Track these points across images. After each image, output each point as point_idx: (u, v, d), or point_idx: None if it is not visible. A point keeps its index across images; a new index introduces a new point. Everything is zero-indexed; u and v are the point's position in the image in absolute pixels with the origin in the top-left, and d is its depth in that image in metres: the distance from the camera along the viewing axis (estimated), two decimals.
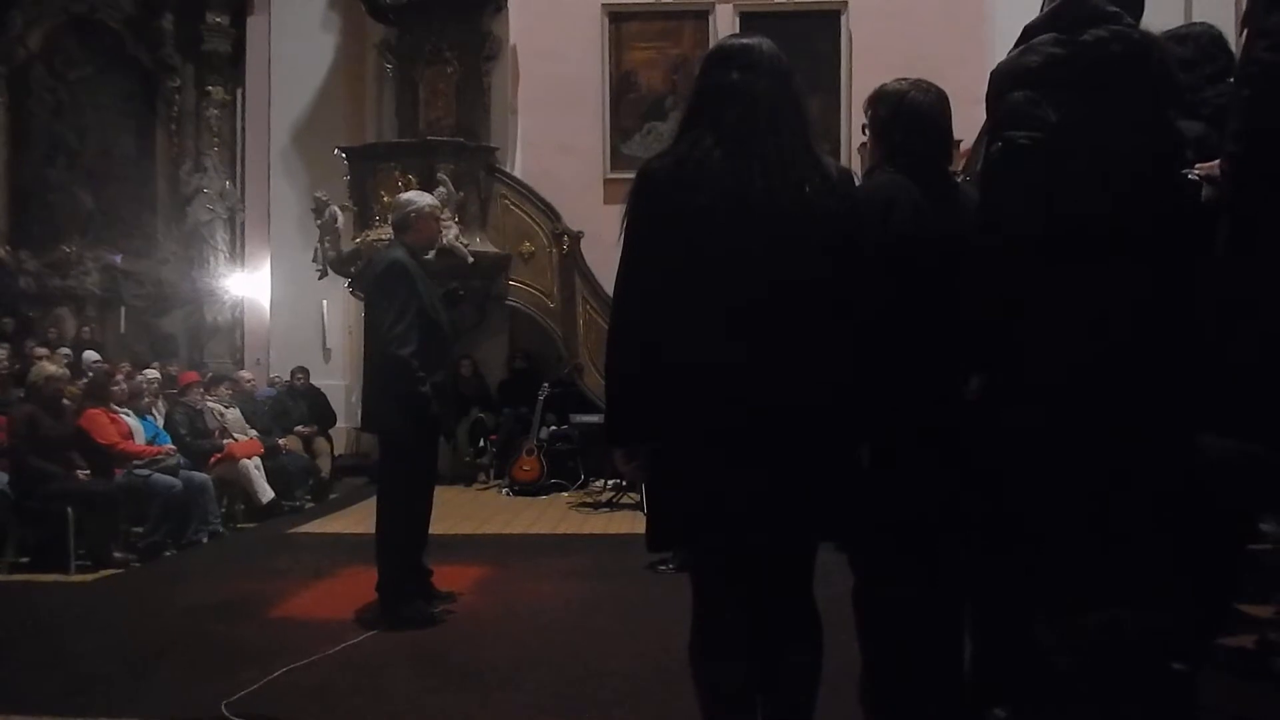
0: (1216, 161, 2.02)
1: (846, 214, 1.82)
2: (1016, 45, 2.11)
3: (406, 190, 5.94)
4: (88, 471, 5.29)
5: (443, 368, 3.88)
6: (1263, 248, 1.93)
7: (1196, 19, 3.16)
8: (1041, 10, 2.14)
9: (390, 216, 4.24)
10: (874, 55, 8.40)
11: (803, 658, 1.89)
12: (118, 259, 9.80)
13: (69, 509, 5.03)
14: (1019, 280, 2.01)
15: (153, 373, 6.89)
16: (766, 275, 1.74)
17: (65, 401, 5.55)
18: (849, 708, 2.13)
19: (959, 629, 2.16)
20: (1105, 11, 2.02)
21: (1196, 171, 2.06)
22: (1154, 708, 2.09)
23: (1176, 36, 2.62)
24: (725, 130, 1.79)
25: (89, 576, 4.92)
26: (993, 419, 2.01)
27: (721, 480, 1.75)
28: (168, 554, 5.42)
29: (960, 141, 2.62)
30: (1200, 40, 2.61)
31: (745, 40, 1.91)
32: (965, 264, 2.05)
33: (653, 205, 1.79)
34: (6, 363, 7.06)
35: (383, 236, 6.84)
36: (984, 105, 2.13)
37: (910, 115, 2.13)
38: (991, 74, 2.10)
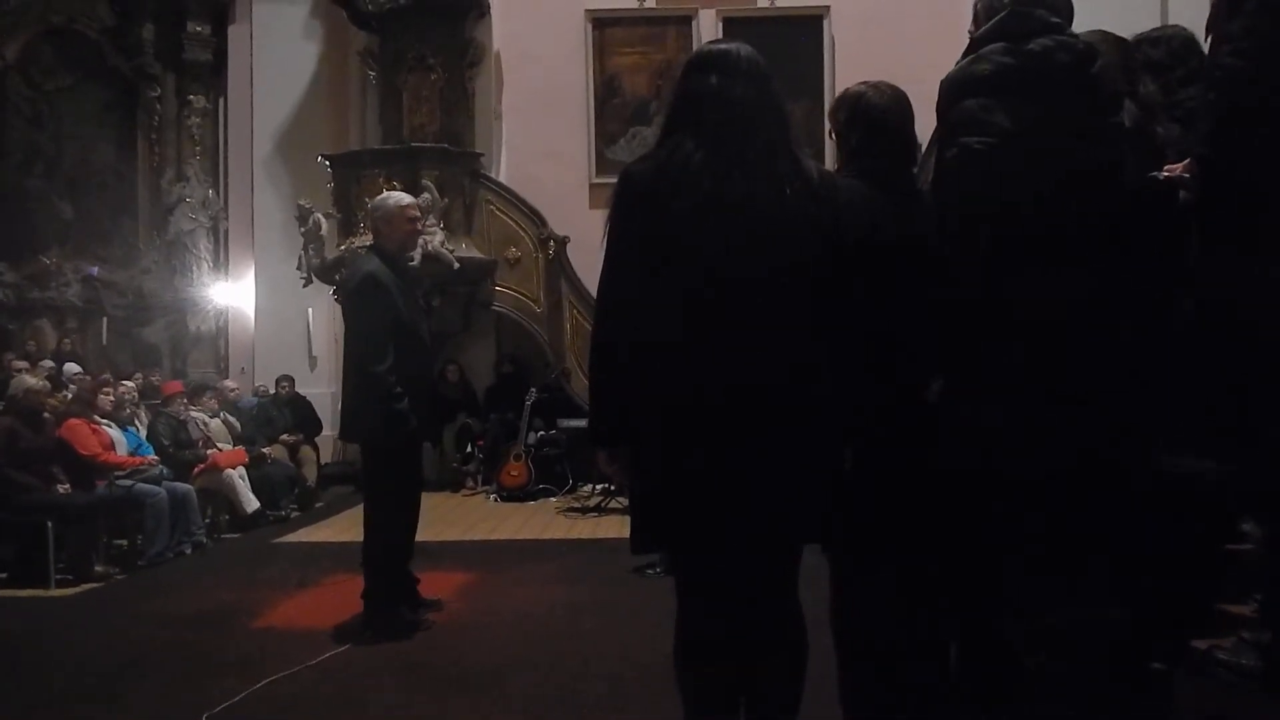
0: (1184, 163, 2.05)
1: (827, 216, 1.83)
2: (964, 56, 2.15)
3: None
4: (67, 485, 5.24)
5: (423, 378, 3.85)
6: (1232, 247, 1.96)
7: (1171, 22, 3.20)
8: (976, 22, 2.18)
9: (367, 221, 4.19)
10: (856, 60, 8.42)
11: (786, 659, 1.89)
12: (94, 271, 9.71)
13: (49, 522, 4.97)
14: (974, 282, 2.04)
15: (129, 383, 6.82)
16: (746, 277, 1.75)
17: (45, 415, 5.50)
18: (831, 710, 2.13)
19: (941, 630, 2.17)
20: (1050, 22, 2.08)
21: (1164, 173, 2.09)
22: (1131, 707, 2.10)
23: (1150, 39, 2.66)
24: (705, 134, 1.80)
25: (69, 590, 4.88)
26: (953, 420, 2.03)
27: (704, 482, 1.75)
28: (141, 563, 5.40)
29: (921, 145, 2.66)
30: (1172, 43, 2.63)
31: (724, 46, 1.93)
32: (926, 267, 2.07)
33: (635, 208, 1.80)
34: None
35: (367, 243, 6.81)
36: None
37: (866, 118, 2.13)
38: (941, 83, 2.14)
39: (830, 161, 2.54)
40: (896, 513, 2.01)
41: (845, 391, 1.82)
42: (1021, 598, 2.09)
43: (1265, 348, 1.95)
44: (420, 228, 4.32)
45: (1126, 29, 2.72)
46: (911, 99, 2.21)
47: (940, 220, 2.10)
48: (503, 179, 8.80)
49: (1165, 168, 2.11)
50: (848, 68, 8.61)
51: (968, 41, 2.24)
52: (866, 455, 1.97)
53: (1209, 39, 2.10)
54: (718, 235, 1.75)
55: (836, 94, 2.32)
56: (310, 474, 7.79)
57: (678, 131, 1.84)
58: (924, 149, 3.05)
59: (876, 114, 2.12)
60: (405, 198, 4.05)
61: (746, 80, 1.84)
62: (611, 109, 9.30)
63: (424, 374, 3.93)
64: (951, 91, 2.11)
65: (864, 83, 2.19)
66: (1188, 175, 2.06)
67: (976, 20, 2.22)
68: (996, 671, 2.15)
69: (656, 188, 1.77)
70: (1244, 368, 2.00)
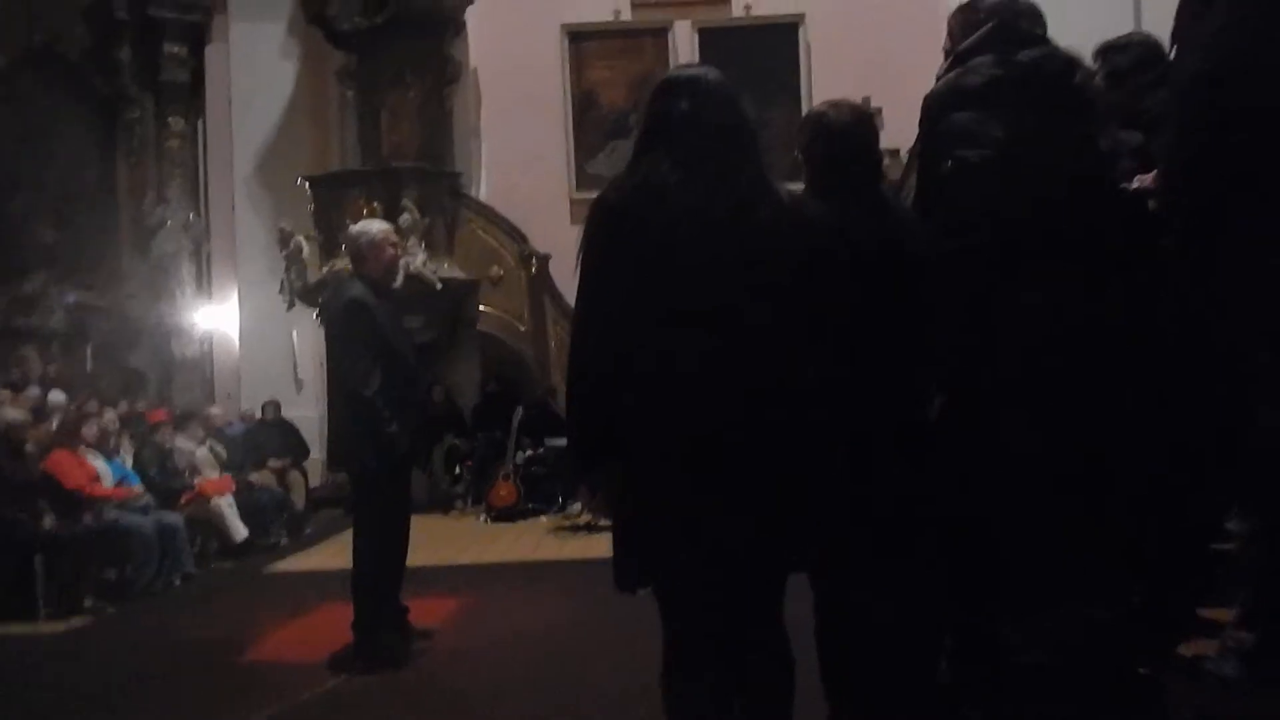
0: (1153, 174, 2.07)
1: (802, 237, 1.84)
2: (950, 69, 2.15)
3: (371, 218, 5.89)
4: (53, 518, 5.19)
5: (411, 402, 3.82)
6: (1201, 256, 1.98)
7: (1145, 28, 3.24)
8: (951, 38, 2.20)
9: (347, 249, 4.18)
10: (833, 66, 8.50)
11: (773, 679, 1.88)
12: (71, 299, 9.64)
13: (36, 556, 4.92)
14: (974, 293, 2.04)
15: (112, 413, 6.75)
16: (725, 298, 1.75)
17: (28, 447, 5.45)
18: None
19: (933, 632, 2.17)
20: (1034, 35, 2.10)
21: (1135, 183, 2.10)
22: (1125, 708, 2.11)
23: (1116, 46, 2.69)
24: (680, 155, 1.80)
25: (59, 625, 4.83)
26: (953, 424, 2.03)
27: (688, 510, 1.74)
28: (131, 595, 5.33)
29: (899, 150, 2.67)
30: (1138, 50, 2.66)
31: (692, 71, 1.94)
32: (915, 280, 2.07)
33: (613, 233, 1.79)
34: None
35: (349, 265, 6.79)
36: None
37: (827, 136, 2.12)
38: (926, 97, 2.14)
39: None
40: (884, 532, 2.01)
41: (830, 411, 1.82)
42: (1018, 598, 2.09)
43: (1234, 355, 1.97)
44: (400, 252, 4.32)
45: (1098, 33, 2.76)
46: (886, 105, 2.22)
47: (936, 232, 2.09)
48: (483, 196, 8.81)
49: (1136, 178, 2.13)
50: (824, 74, 8.66)
51: (942, 49, 2.25)
52: (852, 473, 1.96)
53: (1174, 47, 2.12)
54: (697, 256, 1.74)
55: (814, 102, 2.32)
56: (299, 499, 7.74)
57: (652, 151, 1.84)
58: (905, 157, 3.05)
59: (836, 131, 2.11)
60: (386, 225, 4.07)
61: (718, 103, 1.85)
62: (590, 122, 9.33)
63: (411, 397, 3.90)
64: (939, 105, 2.11)
65: (826, 102, 2.19)
66: (1154, 186, 2.08)
67: (951, 36, 2.22)
68: (992, 672, 2.15)
69: (634, 210, 1.77)
70: (1218, 374, 2.02)
